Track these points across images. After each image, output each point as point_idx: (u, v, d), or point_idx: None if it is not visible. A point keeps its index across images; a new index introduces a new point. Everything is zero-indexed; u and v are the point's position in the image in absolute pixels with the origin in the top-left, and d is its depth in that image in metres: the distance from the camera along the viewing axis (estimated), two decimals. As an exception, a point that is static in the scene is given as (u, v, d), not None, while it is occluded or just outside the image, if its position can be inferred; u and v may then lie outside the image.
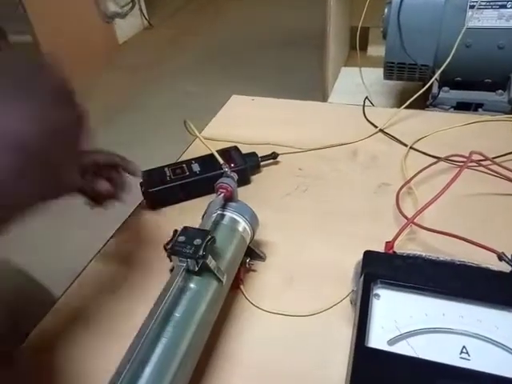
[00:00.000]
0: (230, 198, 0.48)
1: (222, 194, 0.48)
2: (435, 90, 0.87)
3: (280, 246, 0.56)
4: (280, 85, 2.48)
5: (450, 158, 0.65)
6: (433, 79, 0.80)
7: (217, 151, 0.67)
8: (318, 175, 0.69)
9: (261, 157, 0.68)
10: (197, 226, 0.48)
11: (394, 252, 0.45)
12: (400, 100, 1.10)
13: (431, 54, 0.86)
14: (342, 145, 0.74)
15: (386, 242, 0.44)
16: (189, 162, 0.67)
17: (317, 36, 2.12)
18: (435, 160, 0.65)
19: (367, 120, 0.80)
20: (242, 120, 0.85)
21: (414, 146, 0.72)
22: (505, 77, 0.86)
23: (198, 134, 0.74)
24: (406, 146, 0.72)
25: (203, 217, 0.50)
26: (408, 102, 0.78)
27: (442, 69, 0.78)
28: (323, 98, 1.94)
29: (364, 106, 0.84)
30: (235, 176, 0.50)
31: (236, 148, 0.69)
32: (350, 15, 2.32)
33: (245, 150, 0.70)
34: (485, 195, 0.61)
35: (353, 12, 2.37)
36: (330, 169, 0.70)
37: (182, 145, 0.77)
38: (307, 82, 2.34)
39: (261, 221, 0.52)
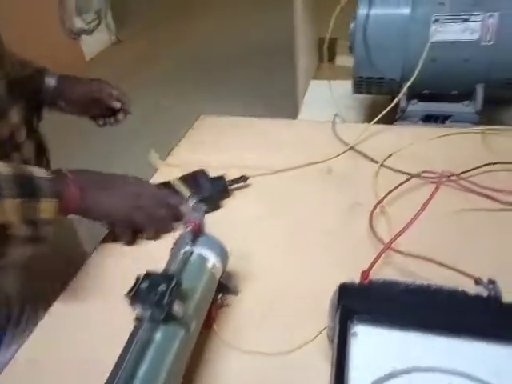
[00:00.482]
0: (198, 232, 0.46)
1: (190, 229, 0.45)
2: (403, 103, 0.87)
3: (253, 276, 0.54)
4: (252, 96, 2.47)
5: (422, 175, 0.65)
6: (400, 94, 0.80)
7: (182, 176, 0.64)
8: (289, 197, 0.67)
9: (229, 180, 0.66)
10: (167, 256, 0.46)
11: (370, 280, 0.43)
12: (370, 112, 1.10)
13: (398, 68, 0.86)
14: (313, 164, 0.73)
15: (362, 272, 0.43)
16: (155, 190, 0.64)
17: (286, 47, 2.12)
18: (407, 177, 0.64)
19: (338, 137, 0.79)
20: (211, 142, 0.82)
21: (386, 163, 0.71)
22: (471, 88, 0.86)
23: (161, 164, 0.71)
24: (377, 163, 0.71)
25: (172, 249, 0.47)
26: (377, 118, 0.78)
27: (408, 84, 0.78)
28: (294, 111, 1.94)
29: (334, 122, 0.84)
30: (203, 208, 0.48)
31: (203, 172, 0.66)
32: (317, 26, 2.34)
33: (214, 173, 0.68)
34: (458, 212, 0.61)
35: (320, 23, 2.39)
36: (302, 189, 0.69)
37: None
38: (279, 93, 2.34)
39: (232, 249, 0.49)
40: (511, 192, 0.60)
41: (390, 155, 0.72)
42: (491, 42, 0.79)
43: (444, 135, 0.76)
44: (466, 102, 0.88)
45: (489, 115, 0.93)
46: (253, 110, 2.34)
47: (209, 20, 3.60)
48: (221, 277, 0.47)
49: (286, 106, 2.09)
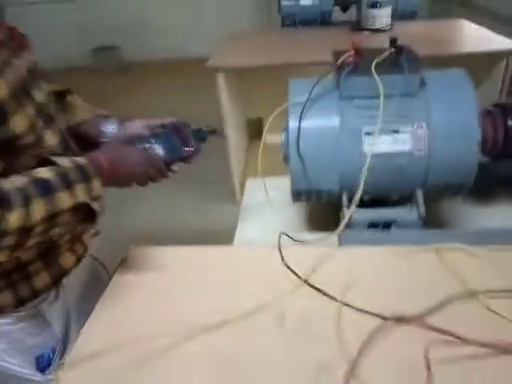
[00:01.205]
0: None
1: None
2: (345, 214, 0.83)
3: None
4: (189, 194, 2.34)
5: (390, 318, 0.59)
6: (347, 217, 0.76)
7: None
8: (239, 359, 0.57)
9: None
10: None
11: None
12: (313, 214, 1.05)
13: (335, 180, 0.84)
14: (263, 308, 0.64)
15: None
16: None
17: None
18: (372, 319, 0.59)
19: (287, 268, 0.72)
20: (139, 288, 0.72)
21: (345, 298, 0.64)
22: (411, 193, 0.86)
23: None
24: (336, 300, 0.64)
25: None
26: (325, 240, 0.73)
27: (352, 209, 0.75)
28: (235, 201, 1.93)
29: (279, 246, 0.76)
30: None
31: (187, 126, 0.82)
32: (244, 108, 2.37)
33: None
34: (435, 364, 0.53)
35: (246, 104, 2.43)
36: (254, 346, 0.59)
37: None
38: (217, 185, 2.27)
39: None
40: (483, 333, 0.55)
41: (350, 287, 0.66)
42: (424, 153, 0.79)
43: (398, 255, 0.73)
44: (409, 206, 0.86)
45: (433, 213, 0.92)
46: (192, 203, 2.25)
47: (135, 105, 3.51)
48: None
49: (226, 198, 2.03)
